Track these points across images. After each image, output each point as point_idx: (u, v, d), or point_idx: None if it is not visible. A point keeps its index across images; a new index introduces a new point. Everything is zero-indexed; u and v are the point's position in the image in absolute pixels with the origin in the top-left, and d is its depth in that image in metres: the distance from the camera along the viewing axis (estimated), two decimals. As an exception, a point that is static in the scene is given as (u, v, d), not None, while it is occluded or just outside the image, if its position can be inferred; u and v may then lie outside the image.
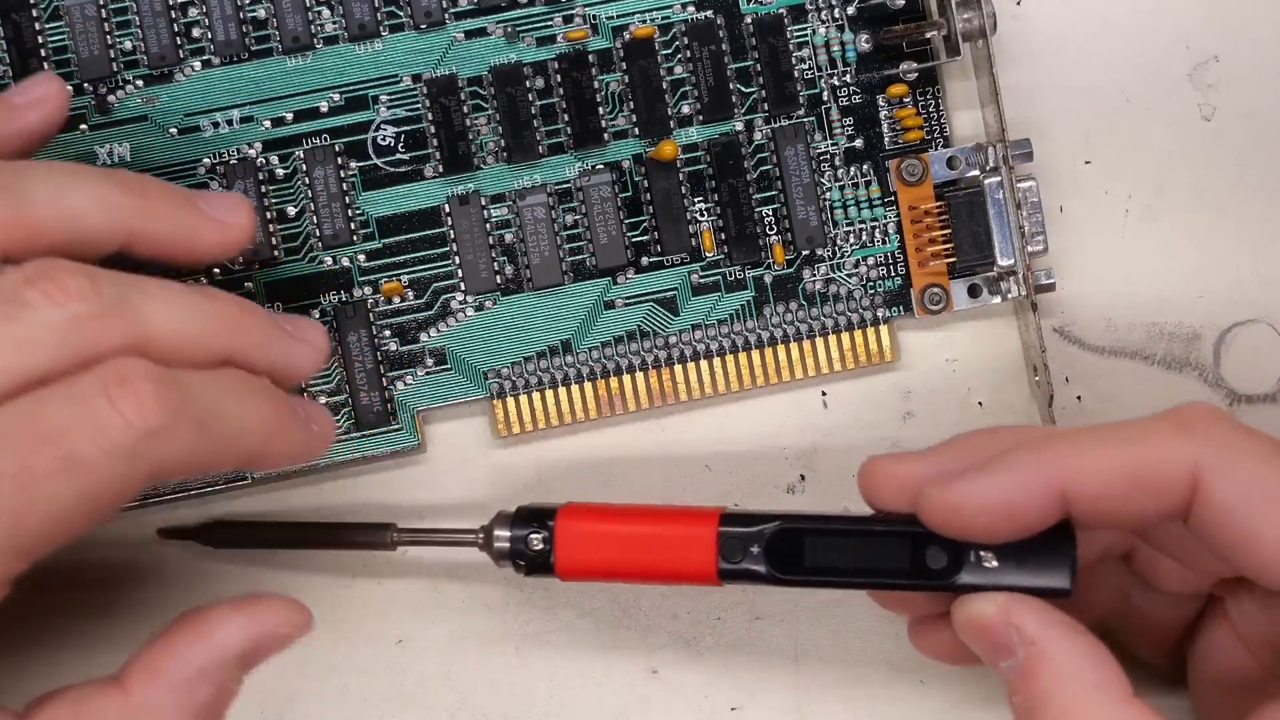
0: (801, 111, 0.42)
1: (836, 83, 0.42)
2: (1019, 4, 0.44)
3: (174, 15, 0.41)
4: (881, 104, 0.43)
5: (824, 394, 0.44)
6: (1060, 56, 0.44)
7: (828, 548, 0.38)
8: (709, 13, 0.42)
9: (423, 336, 0.42)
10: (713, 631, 0.44)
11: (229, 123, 0.42)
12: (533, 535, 0.40)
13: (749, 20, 0.42)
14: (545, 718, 0.43)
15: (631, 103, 0.42)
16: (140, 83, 0.42)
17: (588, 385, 0.43)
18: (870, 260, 0.43)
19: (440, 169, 0.42)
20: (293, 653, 0.43)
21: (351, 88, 0.42)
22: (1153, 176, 0.44)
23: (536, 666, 0.43)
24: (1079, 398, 0.44)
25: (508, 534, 0.40)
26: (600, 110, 0.42)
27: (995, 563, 0.36)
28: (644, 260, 0.42)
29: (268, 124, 0.42)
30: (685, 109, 0.42)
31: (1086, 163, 0.44)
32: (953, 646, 0.36)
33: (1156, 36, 0.44)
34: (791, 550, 0.38)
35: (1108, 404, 0.44)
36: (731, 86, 0.42)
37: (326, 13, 0.42)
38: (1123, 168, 0.44)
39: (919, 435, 0.44)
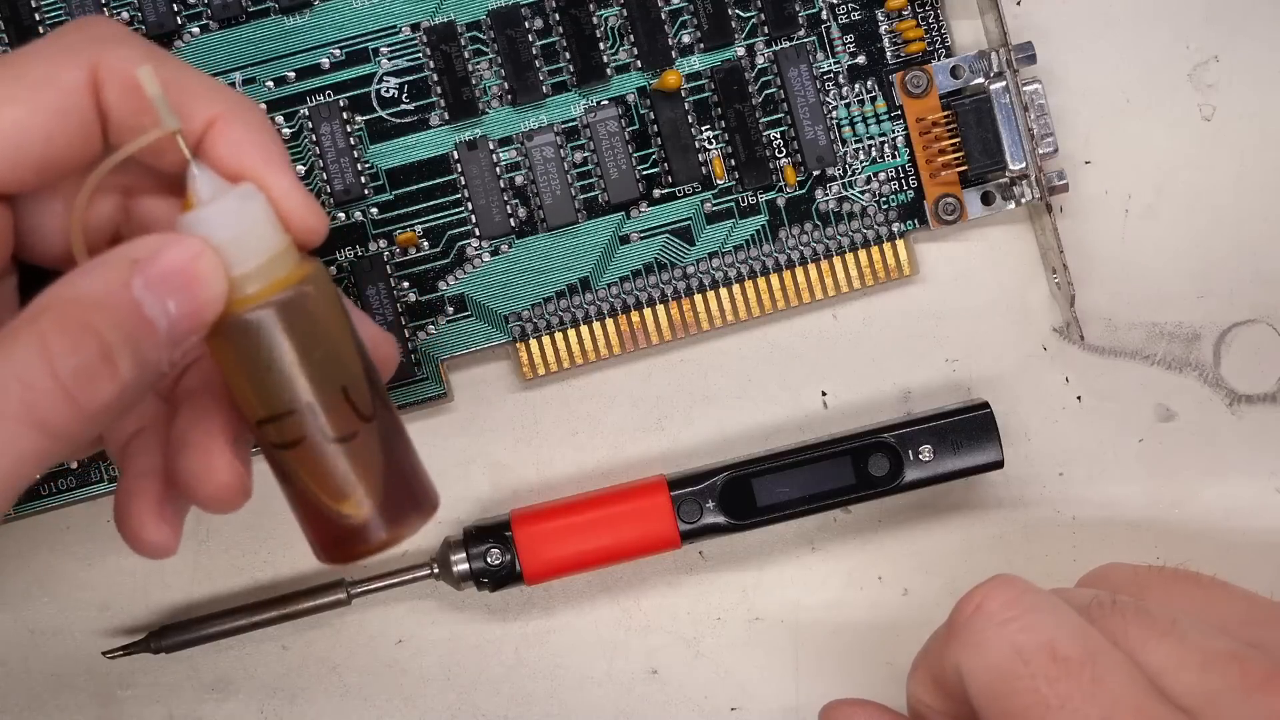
0: (802, 32, 0.42)
1: (834, 0, 0.42)
2: (1019, 4, 0.44)
3: (168, -18, 0.41)
4: (881, 18, 0.42)
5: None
6: (1060, 56, 0.43)
7: (775, 484, 0.42)
8: (702, -60, 0.42)
9: (441, 285, 0.42)
10: (713, 631, 0.44)
11: (232, 86, 0.42)
12: (490, 551, 0.41)
13: (743, -56, 0.42)
14: (545, 718, 0.44)
15: (632, 36, 0.42)
16: (140, 53, 0.42)
17: (609, 322, 0.43)
18: (882, 176, 0.43)
19: (446, 117, 0.42)
20: (293, 653, 0.43)
21: (351, 42, 0.42)
22: (1153, 176, 0.44)
23: (536, 666, 0.44)
24: (1079, 398, 0.44)
25: (463, 556, 0.41)
26: (601, 45, 0.42)
27: (932, 455, 0.41)
28: (656, 192, 0.42)
29: (270, 84, 0.42)
30: (686, 38, 0.42)
31: (1086, 163, 0.44)
32: None
33: (1156, 36, 0.44)
34: (742, 495, 0.41)
35: (1108, 404, 0.44)
36: (730, 12, 0.42)
37: (320, -31, 0.42)
38: (1123, 168, 0.44)
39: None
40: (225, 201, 0.31)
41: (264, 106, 0.42)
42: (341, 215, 0.42)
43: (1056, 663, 0.30)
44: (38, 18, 0.41)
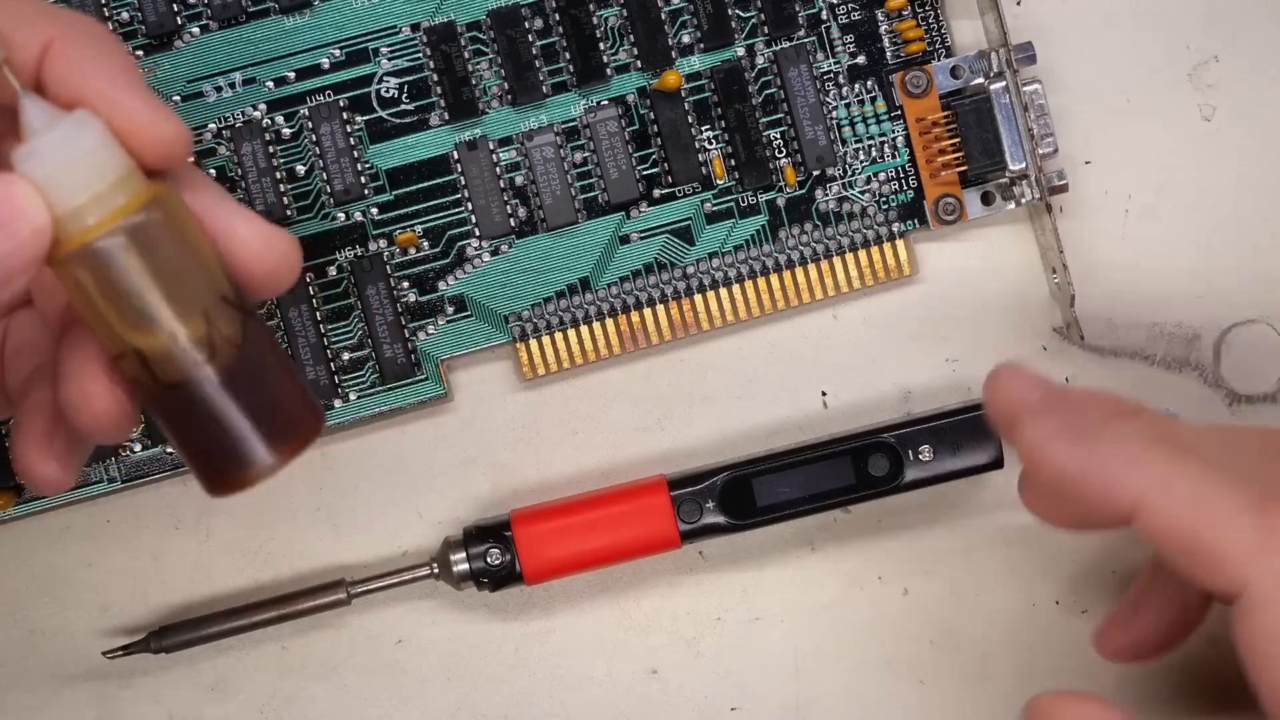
0: (802, 32, 0.42)
1: (834, 0, 0.42)
2: (1019, 4, 0.44)
3: (168, -18, 0.41)
4: (881, 18, 0.42)
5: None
6: (1060, 57, 0.43)
7: (775, 484, 0.42)
8: (702, -60, 0.42)
9: (441, 285, 0.42)
10: (713, 631, 0.44)
11: (231, 86, 0.42)
12: (490, 551, 0.41)
13: (743, -56, 0.42)
14: (545, 718, 0.44)
15: (632, 36, 0.42)
16: (140, 53, 0.42)
17: (609, 322, 0.43)
18: (882, 176, 0.43)
19: (446, 116, 0.42)
20: (293, 653, 0.43)
21: (351, 42, 0.42)
22: (1153, 176, 0.44)
23: (536, 666, 0.44)
24: None
25: (463, 556, 0.41)
26: (601, 46, 0.42)
27: (932, 455, 0.41)
28: (656, 192, 0.42)
29: (270, 84, 0.42)
30: (686, 38, 0.42)
31: (1086, 163, 0.44)
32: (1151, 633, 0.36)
33: (1156, 36, 0.44)
34: (742, 496, 0.41)
35: None
36: (730, 12, 0.42)
37: (320, -31, 0.42)
38: (1123, 168, 0.44)
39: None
40: (55, 133, 0.29)
41: (264, 106, 0.42)
42: (341, 215, 0.42)
43: None
44: (38, 18, 0.41)
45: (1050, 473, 0.33)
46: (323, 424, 0.33)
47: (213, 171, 0.42)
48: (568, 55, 0.42)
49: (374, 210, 0.42)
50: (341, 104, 0.42)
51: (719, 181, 0.43)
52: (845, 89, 0.43)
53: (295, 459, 0.32)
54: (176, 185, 0.31)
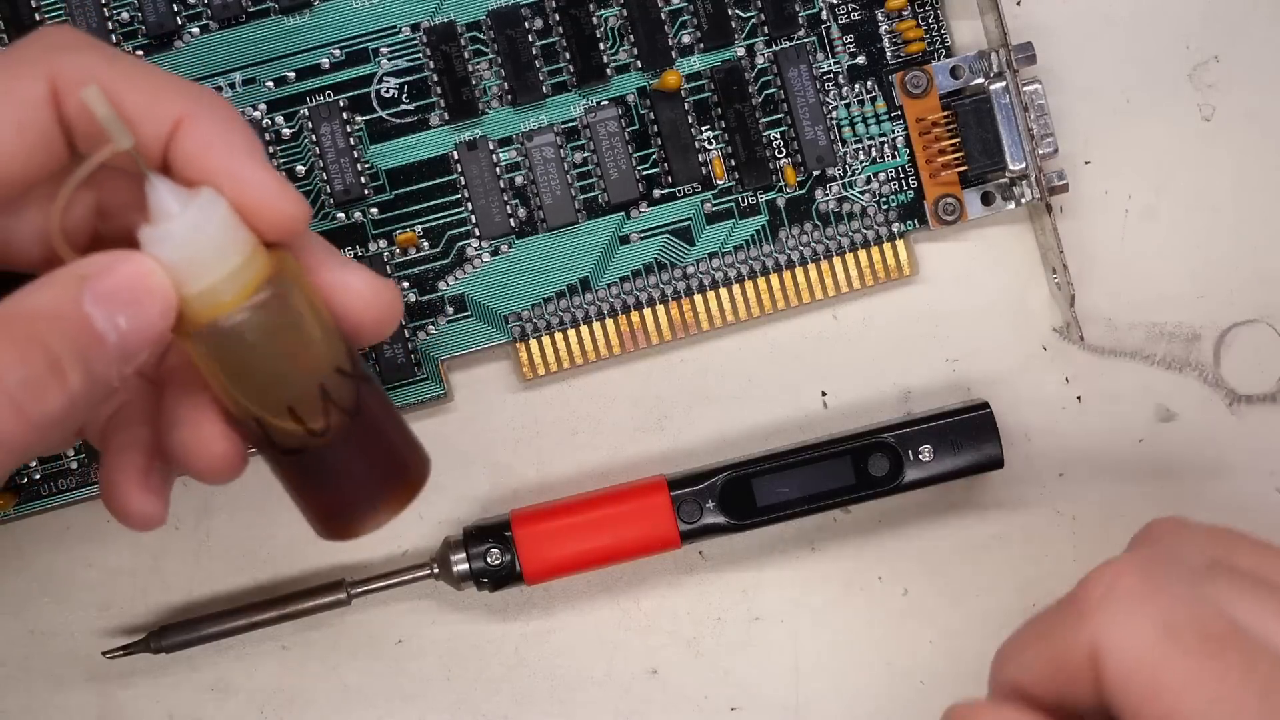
0: (802, 32, 0.42)
1: (834, 0, 0.42)
2: (1019, 4, 0.44)
3: (168, -17, 0.41)
4: (881, 18, 0.42)
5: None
6: (1060, 56, 0.43)
7: (775, 484, 0.42)
8: (702, -60, 0.42)
9: (441, 285, 0.42)
10: (713, 631, 0.44)
11: (231, 86, 0.42)
12: (490, 551, 0.41)
13: (743, -56, 0.42)
14: (545, 718, 0.44)
15: (632, 36, 0.42)
16: (140, 53, 0.42)
17: (609, 322, 0.43)
18: (881, 176, 0.43)
19: (446, 117, 0.42)
20: (293, 653, 0.43)
21: (351, 42, 0.42)
22: (1153, 176, 0.44)
23: (536, 666, 0.44)
24: (1079, 398, 0.44)
25: (463, 556, 0.41)
26: (601, 46, 0.42)
27: (932, 455, 0.41)
28: (656, 193, 0.42)
29: (270, 85, 0.42)
30: (685, 38, 0.42)
31: (1086, 163, 0.44)
32: None
33: (1156, 36, 0.44)
34: (742, 496, 0.41)
35: (1108, 404, 0.44)
36: (730, 12, 0.42)
37: (320, -31, 0.42)
38: (1123, 168, 0.44)
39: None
40: (184, 219, 0.30)
41: (264, 106, 0.42)
42: (341, 215, 0.42)
43: (1208, 640, 0.29)
44: (38, 18, 0.41)
45: None
46: (429, 469, 0.34)
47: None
48: (568, 55, 0.42)
49: (374, 210, 0.42)
50: (341, 104, 0.42)
51: (719, 181, 0.43)
52: (845, 89, 0.43)
53: (407, 507, 0.33)
54: (291, 247, 0.32)
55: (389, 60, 0.42)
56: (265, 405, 0.31)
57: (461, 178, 0.42)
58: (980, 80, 0.42)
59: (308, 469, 0.32)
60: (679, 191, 0.43)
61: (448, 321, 0.42)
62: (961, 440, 0.42)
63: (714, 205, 0.43)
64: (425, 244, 0.42)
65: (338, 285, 0.33)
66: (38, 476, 0.42)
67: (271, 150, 0.42)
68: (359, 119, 0.42)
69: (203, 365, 0.31)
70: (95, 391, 0.30)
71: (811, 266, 0.43)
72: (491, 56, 0.42)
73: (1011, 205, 0.43)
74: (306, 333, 0.32)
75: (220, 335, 0.31)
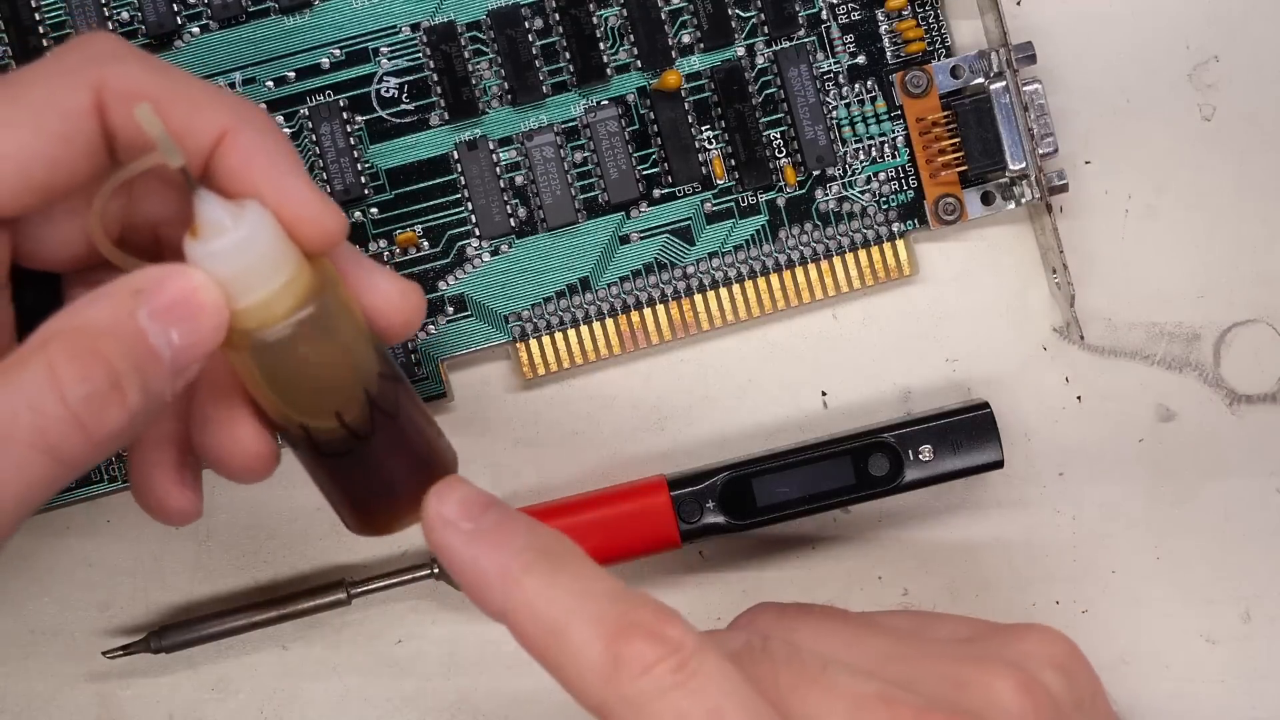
0: (802, 32, 0.42)
1: (834, 0, 0.42)
2: (1019, 4, 0.44)
3: (168, -18, 0.41)
4: (881, 18, 0.42)
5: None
6: (1060, 56, 0.43)
7: (775, 484, 0.42)
8: (702, -60, 0.42)
9: (441, 285, 0.42)
10: None
11: (231, 86, 0.42)
12: None
13: (743, -56, 0.42)
14: (545, 718, 0.43)
15: (632, 35, 0.42)
16: (140, 53, 0.42)
17: (609, 321, 0.43)
18: (882, 175, 0.43)
19: (446, 116, 0.42)
20: (293, 653, 0.43)
21: (351, 42, 0.42)
22: (1153, 176, 0.44)
23: (536, 666, 0.43)
24: (1079, 398, 0.44)
25: None
26: (601, 45, 0.42)
27: (932, 455, 0.41)
28: (656, 192, 0.42)
29: (270, 84, 0.42)
30: (686, 38, 0.42)
31: (1086, 163, 0.44)
32: None
33: (1156, 36, 0.44)
34: (742, 496, 0.41)
35: (1108, 404, 0.44)
36: (730, 12, 0.42)
37: (320, -31, 0.42)
38: (1123, 168, 0.44)
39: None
40: (232, 235, 0.30)
41: (264, 106, 0.42)
42: (341, 215, 0.42)
43: None
44: (38, 18, 0.41)
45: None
46: (458, 460, 0.34)
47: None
48: (568, 55, 0.42)
49: (374, 210, 0.42)
50: (341, 104, 0.42)
51: (719, 181, 0.43)
52: (845, 89, 0.43)
53: None
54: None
55: (389, 60, 0.42)
56: (312, 413, 0.32)
57: (461, 178, 0.42)
58: (980, 80, 0.42)
59: (349, 469, 0.33)
60: (679, 191, 0.43)
61: (448, 321, 0.42)
62: (961, 440, 0.42)
63: (714, 205, 0.43)
64: (425, 244, 0.42)
65: (368, 289, 0.33)
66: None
67: (271, 150, 0.42)
68: (359, 119, 0.42)
69: (247, 375, 0.32)
70: (150, 408, 0.30)
71: (811, 266, 0.43)
72: (491, 56, 0.42)
73: (1011, 205, 0.43)
74: (350, 340, 0.32)
75: (271, 348, 0.31)
